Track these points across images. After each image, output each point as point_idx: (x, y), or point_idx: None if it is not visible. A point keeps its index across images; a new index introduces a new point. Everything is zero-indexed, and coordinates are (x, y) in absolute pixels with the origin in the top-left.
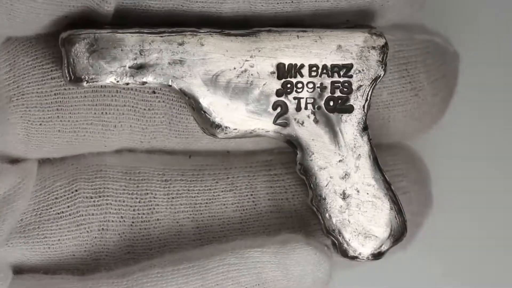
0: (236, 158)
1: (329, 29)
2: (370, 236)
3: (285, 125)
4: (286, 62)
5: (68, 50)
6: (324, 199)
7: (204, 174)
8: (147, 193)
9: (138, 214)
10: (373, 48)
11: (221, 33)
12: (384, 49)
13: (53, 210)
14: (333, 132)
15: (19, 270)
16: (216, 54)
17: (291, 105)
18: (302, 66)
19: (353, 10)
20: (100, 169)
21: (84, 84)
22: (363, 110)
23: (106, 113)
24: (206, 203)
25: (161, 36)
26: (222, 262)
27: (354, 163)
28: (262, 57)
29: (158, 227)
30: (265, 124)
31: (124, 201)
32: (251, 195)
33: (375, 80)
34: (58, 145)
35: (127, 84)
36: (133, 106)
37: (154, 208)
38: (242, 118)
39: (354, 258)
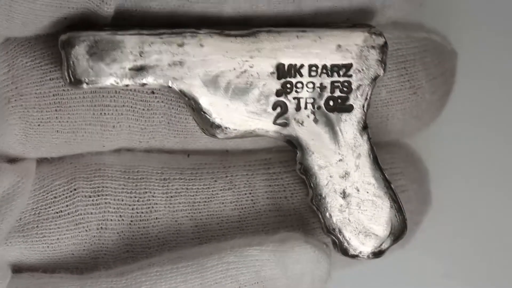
0: (235, 156)
1: (329, 29)
2: (370, 234)
3: (285, 125)
4: (286, 62)
5: (68, 53)
6: (324, 198)
7: (202, 173)
8: (146, 192)
9: (137, 213)
10: (373, 47)
11: (221, 34)
12: (383, 48)
13: (52, 209)
14: (333, 132)
15: (18, 269)
16: (216, 55)
17: (291, 105)
18: (301, 66)
19: (353, 8)
20: (99, 168)
21: (84, 86)
22: (363, 110)
23: (104, 113)
24: (205, 201)
25: (161, 38)
26: (221, 261)
27: (354, 162)
28: (261, 58)
29: (157, 226)
30: (265, 124)
31: (122, 200)
32: (250, 193)
33: (374, 79)
34: (56, 145)
35: (127, 86)
36: (131, 107)
37: (152, 207)
38: (242, 119)
39: (354, 256)
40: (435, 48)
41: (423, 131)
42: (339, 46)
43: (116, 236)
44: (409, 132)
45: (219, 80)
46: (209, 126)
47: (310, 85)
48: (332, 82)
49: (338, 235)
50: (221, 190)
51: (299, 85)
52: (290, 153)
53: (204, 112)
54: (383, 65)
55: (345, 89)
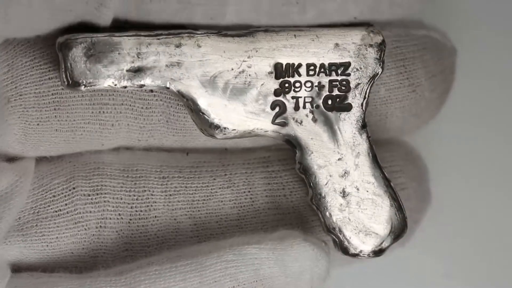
0: (234, 155)
1: (326, 27)
2: (370, 233)
3: (284, 124)
4: (284, 61)
5: (65, 55)
6: (324, 197)
7: (201, 171)
8: (145, 191)
9: (136, 211)
10: (371, 46)
11: (218, 34)
12: (381, 46)
13: (51, 208)
14: (332, 131)
15: (17, 269)
16: (214, 55)
17: (290, 105)
18: (299, 65)
19: (360, 8)
20: (98, 166)
21: (82, 88)
22: (362, 108)
23: (103, 112)
24: (204, 200)
25: (158, 39)
26: (220, 259)
27: (353, 161)
28: (259, 57)
29: (156, 224)
30: (264, 124)
31: (121, 199)
32: (249, 191)
33: (373, 78)
34: (55, 144)
35: (125, 87)
36: (130, 105)
37: (151, 205)
38: (241, 119)
39: (355, 255)
40: (434, 46)
41: (422, 128)
42: (337, 44)
43: (115, 234)
44: (408, 130)
45: (217, 80)
46: (207, 126)
47: (309, 84)
48: (330, 81)
49: (338, 234)
50: (220, 188)
51: (297, 84)
52: (289, 151)
53: (203, 113)
54: (381, 63)
55: (343, 88)
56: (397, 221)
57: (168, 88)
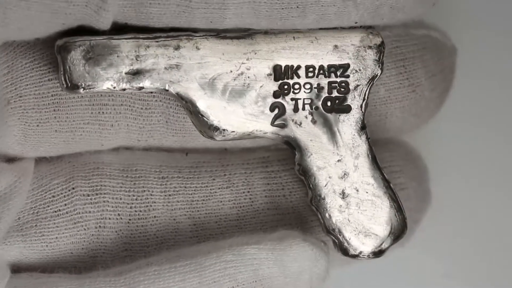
0: (233, 155)
1: (325, 29)
2: (370, 234)
3: (283, 126)
4: (283, 63)
5: (64, 58)
6: (324, 199)
7: (201, 171)
8: (144, 191)
9: (135, 211)
10: (370, 47)
11: (217, 36)
12: (380, 48)
13: (50, 208)
14: (331, 132)
15: (17, 269)
16: (212, 57)
17: (289, 106)
18: (298, 67)
19: (360, 12)
20: (97, 166)
21: (81, 91)
22: (361, 110)
23: (103, 112)
24: (203, 200)
25: (157, 41)
26: (219, 259)
27: (352, 162)
28: (258, 59)
29: (155, 224)
30: (263, 126)
31: (121, 199)
32: (248, 192)
33: (372, 79)
34: (55, 144)
35: (124, 90)
36: (130, 106)
37: (151, 206)
38: (240, 121)
39: (355, 257)
40: (434, 45)
41: (422, 128)
42: (336, 46)
43: (114, 234)
44: (408, 130)
45: (216, 82)
46: (207, 128)
47: (308, 86)
48: (330, 83)
49: (338, 235)
50: (219, 188)
51: (296, 86)
52: (289, 151)
53: (202, 115)
54: (381, 64)
55: (342, 89)
56: (397, 222)
57: (167, 90)
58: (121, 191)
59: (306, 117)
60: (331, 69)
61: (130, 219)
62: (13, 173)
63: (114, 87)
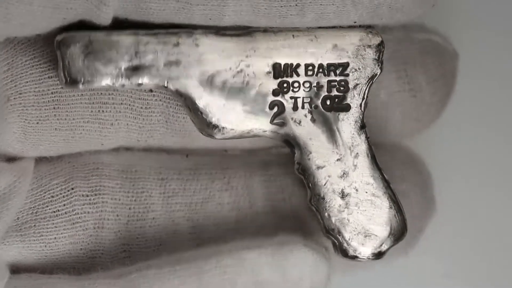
0: (233, 157)
1: (325, 28)
2: (370, 235)
3: (282, 124)
4: (282, 61)
5: (63, 53)
6: (323, 198)
7: (200, 173)
8: (143, 192)
9: (134, 212)
10: (369, 46)
11: (216, 34)
12: (380, 47)
13: (49, 208)
14: (331, 131)
15: (16, 270)
16: (212, 54)
17: (288, 105)
18: (298, 65)
19: (359, 12)
20: (97, 167)
21: (80, 86)
22: (360, 109)
23: (103, 111)
24: (202, 202)
25: (156, 37)
26: (219, 264)
27: (352, 161)
28: (257, 57)
29: (154, 226)
30: (262, 124)
31: (120, 199)
32: (248, 195)
33: (371, 78)
34: (55, 143)
35: (123, 85)
36: (130, 105)
37: (150, 207)
38: (239, 118)
39: (354, 257)
40: (435, 49)
41: (423, 133)
42: (335, 45)
43: (113, 235)
44: (408, 134)
45: (215, 79)
46: (206, 126)
47: (307, 85)
48: (329, 81)
49: (337, 235)
50: (218, 191)
51: (295, 84)
52: (289, 154)
53: (201, 112)
54: (380, 64)
55: (342, 88)
56: (397, 223)
57: (166, 87)
58: (120, 192)
59: (305, 115)
60: (331, 68)
61: (128, 220)
62: (12, 173)
63: (113, 83)
